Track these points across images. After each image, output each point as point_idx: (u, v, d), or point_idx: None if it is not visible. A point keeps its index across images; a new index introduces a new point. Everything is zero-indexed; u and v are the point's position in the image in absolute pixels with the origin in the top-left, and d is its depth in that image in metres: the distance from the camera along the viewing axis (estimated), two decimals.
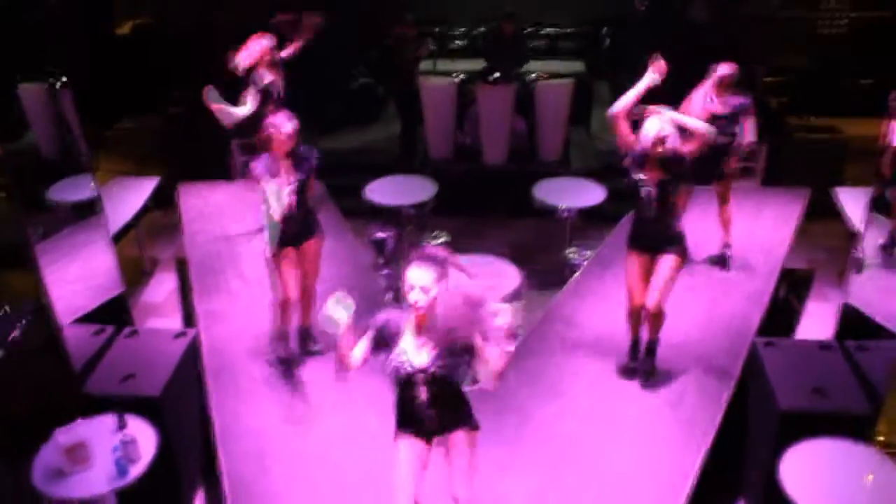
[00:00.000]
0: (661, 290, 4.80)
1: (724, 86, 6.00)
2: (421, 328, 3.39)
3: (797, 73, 10.10)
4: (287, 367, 5.22)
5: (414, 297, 3.29)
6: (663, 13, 10.61)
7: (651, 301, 4.82)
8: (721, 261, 6.40)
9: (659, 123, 4.55)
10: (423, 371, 3.39)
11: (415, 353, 3.40)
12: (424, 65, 10.30)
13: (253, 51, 6.43)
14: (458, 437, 3.56)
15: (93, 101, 5.76)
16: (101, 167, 8.49)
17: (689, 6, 10.35)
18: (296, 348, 5.36)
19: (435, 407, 3.48)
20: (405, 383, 3.45)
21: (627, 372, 5.15)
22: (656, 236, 4.80)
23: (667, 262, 4.79)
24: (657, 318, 4.91)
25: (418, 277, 3.28)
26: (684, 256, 4.85)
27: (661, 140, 4.52)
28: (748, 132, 5.98)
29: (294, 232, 5.02)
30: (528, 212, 7.54)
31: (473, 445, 3.58)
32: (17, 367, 5.31)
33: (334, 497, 4.16)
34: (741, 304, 5.79)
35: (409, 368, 3.39)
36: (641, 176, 4.67)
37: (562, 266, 7.27)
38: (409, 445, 3.59)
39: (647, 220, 4.77)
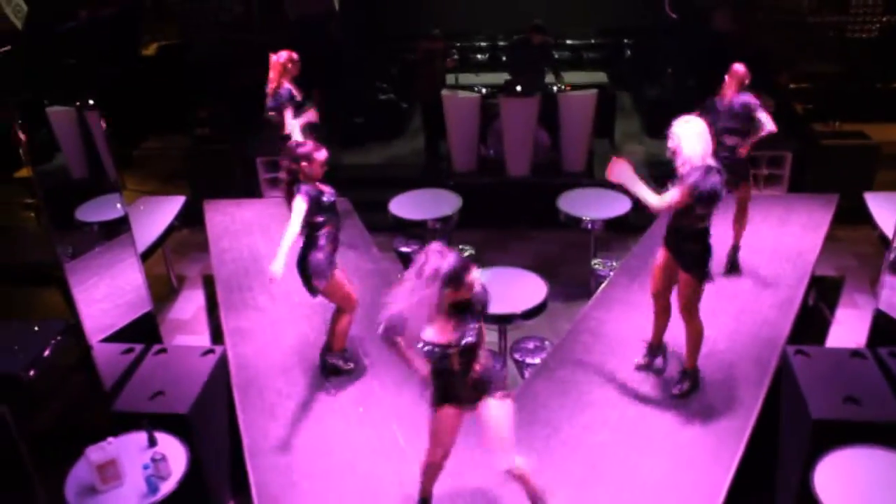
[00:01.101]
0: (681, 300, 4.80)
1: (735, 84, 5.99)
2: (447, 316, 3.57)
3: (825, 78, 10.01)
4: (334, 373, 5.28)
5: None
6: (688, 22, 10.57)
7: (679, 306, 4.85)
8: (733, 267, 6.36)
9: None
10: (450, 346, 3.56)
11: (436, 335, 3.57)
12: (446, 79, 10.33)
13: (275, 66, 6.56)
14: (491, 406, 3.72)
15: (119, 122, 5.84)
16: (127, 187, 8.61)
17: (714, 15, 10.30)
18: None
19: (467, 375, 3.68)
20: (439, 361, 3.64)
21: (643, 366, 5.23)
22: (678, 246, 4.74)
23: (683, 277, 4.76)
24: (689, 334, 4.89)
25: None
26: (699, 278, 4.69)
27: None
28: (765, 123, 5.92)
29: None
30: (552, 223, 7.54)
31: (506, 412, 3.74)
32: (49, 384, 5.39)
33: None
34: (770, 312, 5.73)
35: (437, 349, 3.57)
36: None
37: (587, 277, 7.25)
38: (445, 412, 3.82)
39: (670, 225, 4.78)
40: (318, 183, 4.94)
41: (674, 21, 10.40)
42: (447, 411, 3.81)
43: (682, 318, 4.85)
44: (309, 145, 4.96)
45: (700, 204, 4.41)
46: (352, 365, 5.33)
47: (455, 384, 3.73)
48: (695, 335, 4.89)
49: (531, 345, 5.83)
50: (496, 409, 3.72)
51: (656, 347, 5.22)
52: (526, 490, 3.86)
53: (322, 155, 4.92)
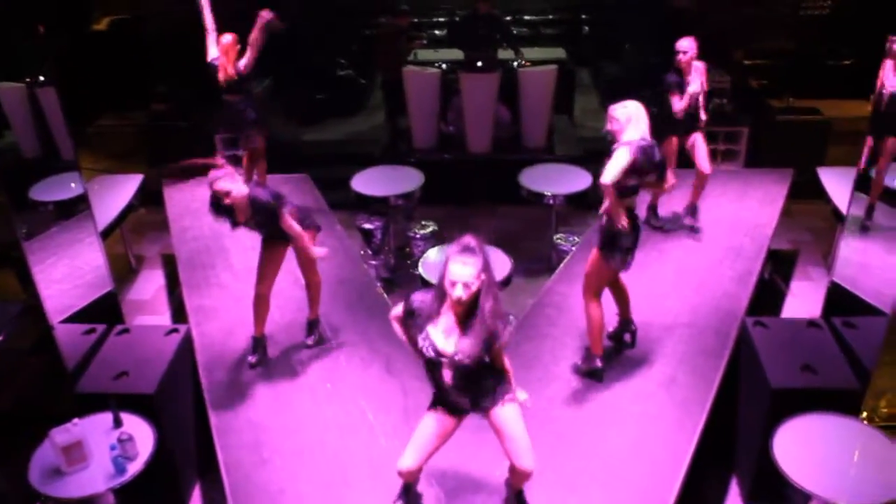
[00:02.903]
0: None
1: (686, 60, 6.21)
2: (458, 318, 3.39)
3: (779, 55, 10.16)
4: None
5: (458, 293, 3.26)
6: None
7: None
8: (691, 228, 6.60)
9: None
10: (445, 356, 3.43)
11: (441, 338, 3.42)
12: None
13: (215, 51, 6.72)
14: (498, 414, 3.62)
15: (71, 99, 5.71)
16: (82, 165, 8.42)
17: None
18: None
19: (461, 389, 3.55)
20: (431, 365, 3.53)
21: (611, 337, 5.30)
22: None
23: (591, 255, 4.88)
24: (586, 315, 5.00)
25: (461, 273, 3.23)
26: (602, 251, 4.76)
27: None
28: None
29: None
30: (512, 199, 7.58)
31: (517, 418, 3.65)
32: (8, 366, 5.30)
33: (334, 486, 4.17)
34: (730, 285, 5.84)
35: (432, 353, 3.44)
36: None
37: (548, 252, 7.31)
38: (435, 417, 3.70)
39: None
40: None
41: None
42: (434, 414, 3.71)
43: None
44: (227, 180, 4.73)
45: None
46: (257, 356, 5.19)
47: (446, 392, 3.61)
48: (587, 319, 4.93)
49: None
50: (508, 414, 3.63)
51: (624, 322, 5.28)
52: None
53: (241, 191, 4.73)
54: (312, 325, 5.39)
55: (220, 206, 4.79)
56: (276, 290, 5.18)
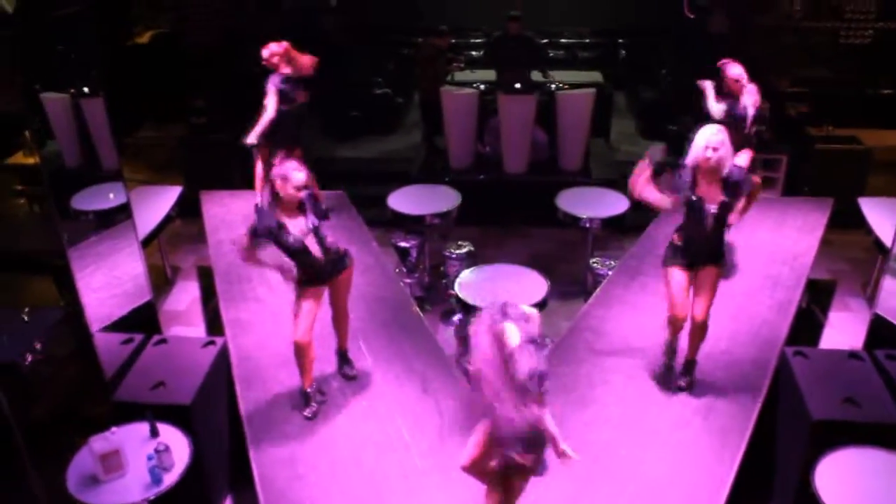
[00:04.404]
0: (708, 304, 4.82)
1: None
2: None
3: (819, 83, 10.10)
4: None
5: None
6: (682, 24, 10.63)
7: (699, 313, 4.84)
8: None
9: (708, 133, 4.52)
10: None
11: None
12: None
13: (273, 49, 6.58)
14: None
15: (112, 110, 5.80)
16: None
17: (709, 17, 10.35)
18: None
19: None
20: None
21: (666, 370, 5.15)
22: (703, 252, 4.78)
23: (711, 275, 4.79)
24: (702, 330, 4.91)
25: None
26: (724, 268, 4.86)
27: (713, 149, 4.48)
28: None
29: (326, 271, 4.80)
30: (548, 222, 7.57)
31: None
32: (47, 373, 5.34)
33: (368, 502, 4.16)
34: (768, 314, 5.77)
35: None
36: (694, 197, 4.62)
37: (582, 275, 7.28)
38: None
39: (699, 238, 4.74)
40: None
41: (689, 21, 10.40)
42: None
43: (705, 325, 4.90)
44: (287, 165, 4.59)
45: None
46: (313, 407, 4.88)
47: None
48: (706, 334, 4.98)
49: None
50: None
51: (674, 346, 5.19)
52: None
53: (299, 177, 4.53)
54: (343, 356, 5.28)
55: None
56: None
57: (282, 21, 11.08)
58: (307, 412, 4.84)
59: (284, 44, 6.61)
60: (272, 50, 6.57)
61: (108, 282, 5.80)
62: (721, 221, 4.67)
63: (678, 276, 4.84)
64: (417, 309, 6.06)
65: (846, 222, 7.40)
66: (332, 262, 4.75)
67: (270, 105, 6.51)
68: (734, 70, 6.17)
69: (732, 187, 4.59)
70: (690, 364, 5.06)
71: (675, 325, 4.98)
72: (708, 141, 4.48)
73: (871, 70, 10.03)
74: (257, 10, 11.30)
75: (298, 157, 6.83)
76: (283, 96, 6.55)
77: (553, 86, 9.44)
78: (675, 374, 5.10)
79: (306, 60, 6.70)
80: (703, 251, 4.77)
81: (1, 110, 6.39)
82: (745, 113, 6.14)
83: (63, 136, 6.60)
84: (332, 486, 4.28)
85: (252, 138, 6.58)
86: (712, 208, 4.59)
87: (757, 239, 6.80)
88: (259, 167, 7.01)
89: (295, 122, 6.81)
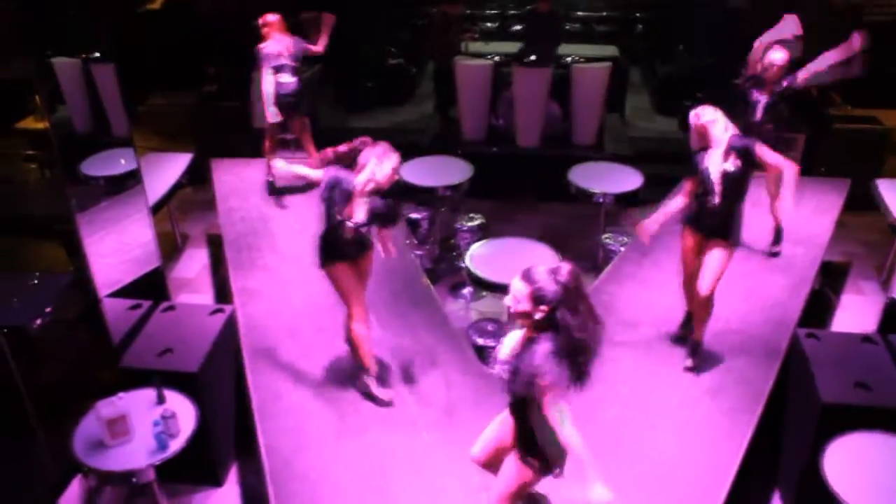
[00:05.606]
0: (712, 279, 4.77)
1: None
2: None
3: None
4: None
5: (506, 301, 3.27)
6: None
7: (702, 287, 4.79)
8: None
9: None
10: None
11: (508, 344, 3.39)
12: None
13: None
14: None
15: (123, 77, 5.75)
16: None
17: None
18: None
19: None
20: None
21: (677, 340, 5.19)
22: (714, 222, 4.77)
23: (718, 249, 4.76)
24: (705, 307, 4.87)
25: (515, 286, 3.18)
26: (735, 246, 4.80)
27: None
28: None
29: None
30: (560, 196, 7.49)
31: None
32: (55, 338, 5.35)
33: (374, 477, 4.15)
34: (780, 294, 5.71)
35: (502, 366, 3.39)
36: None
37: (594, 251, 7.22)
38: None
39: (711, 206, 4.74)
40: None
41: None
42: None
43: (708, 301, 4.85)
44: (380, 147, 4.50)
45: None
46: (388, 397, 4.74)
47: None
48: (709, 311, 4.93)
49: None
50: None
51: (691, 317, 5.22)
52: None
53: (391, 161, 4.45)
54: None
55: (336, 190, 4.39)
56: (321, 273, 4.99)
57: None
58: (385, 396, 4.71)
59: (276, 15, 6.78)
60: (266, 20, 6.75)
61: (117, 248, 5.78)
62: (728, 192, 4.70)
63: (688, 238, 4.96)
64: (427, 281, 6.02)
65: (861, 204, 7.29)
66: (357, 242, 4.60)
67: (267, 79, 6.70)
68: (776, 56, 6.00)
69: (738, 153, 4.67)
70: (696, 345, 5.02)
71: (685, 285, 5.09)
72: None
73: (892, 48, 9.83)
74: None
75: (307, 126, 6.88)
76: (279, 68, 6.71)
77: (569, 58, 9.33)
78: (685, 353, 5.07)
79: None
80: (713, 221, 4.77)
81: (12, 76, 6.34)
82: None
83: (74, 102, 6.56)
84: (337, 457, 4.27)
85: (271, 117, 6.76)
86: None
87: (771, 218, 6.70)
88: (269, 137, 7.03)
89: (303, 92, 6.91)
